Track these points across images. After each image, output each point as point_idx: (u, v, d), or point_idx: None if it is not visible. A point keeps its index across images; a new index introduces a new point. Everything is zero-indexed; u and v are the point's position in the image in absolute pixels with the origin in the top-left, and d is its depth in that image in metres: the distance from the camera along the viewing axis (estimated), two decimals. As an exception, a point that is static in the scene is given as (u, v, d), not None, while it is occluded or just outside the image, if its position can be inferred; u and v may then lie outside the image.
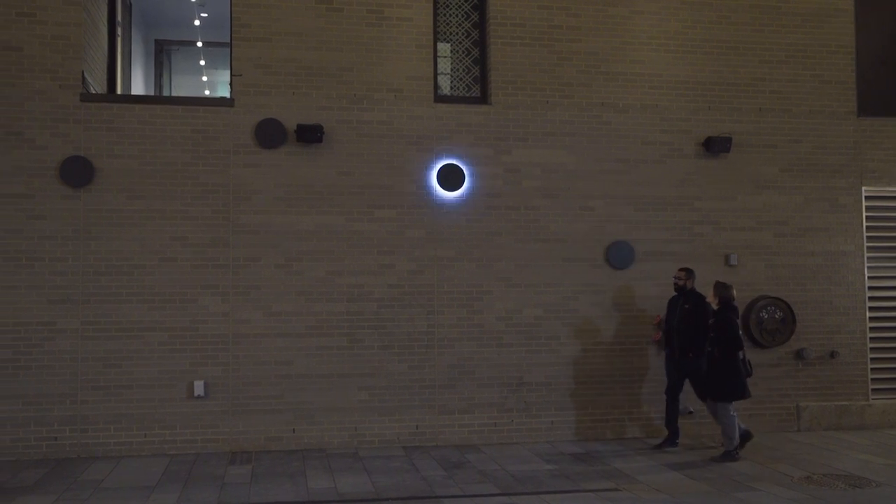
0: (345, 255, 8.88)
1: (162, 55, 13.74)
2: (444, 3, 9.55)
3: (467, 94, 9.51)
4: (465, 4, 9.59)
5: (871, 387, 9.97)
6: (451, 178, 9.10)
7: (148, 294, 8.52)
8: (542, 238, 9.28)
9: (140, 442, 8.44)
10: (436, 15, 9.40)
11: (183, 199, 8.64)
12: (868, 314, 9.99)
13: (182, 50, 14.15)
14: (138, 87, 12.05)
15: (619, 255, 9.39)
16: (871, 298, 10.03)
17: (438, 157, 9.13)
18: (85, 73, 8.67)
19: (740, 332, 8.29)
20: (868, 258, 10.03)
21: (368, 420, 8.84)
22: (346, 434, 8.79)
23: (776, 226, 9.82)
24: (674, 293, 8.92)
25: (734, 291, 8.39)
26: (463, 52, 9.58)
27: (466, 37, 9.58)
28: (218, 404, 8.60)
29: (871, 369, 9.98)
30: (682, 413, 9.01)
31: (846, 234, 9.96)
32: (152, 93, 13.02)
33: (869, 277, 10.02)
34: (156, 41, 13.41)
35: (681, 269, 8.87)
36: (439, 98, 9.29)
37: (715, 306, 8.37)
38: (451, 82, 9.58)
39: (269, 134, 8.78)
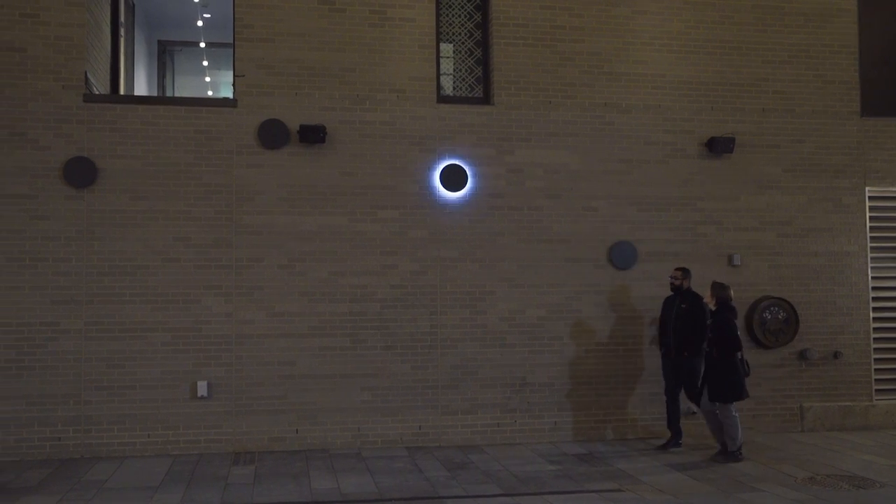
0: (348, 255, 8.88)
1: (165, 56, 13.76)
2: (447, 3, 9.55)
3: (470, 95, 9.51)
4: (468, 5, 9.59)
5: (875, 387, 9.96)
6: (453, 178, 9.10)
7: (151, 294, 8.53)
8: (545, 238, 9.27)
9: (143, 442, 8.45)
10: (438, 15, 9.40)
11: (186, 199, 8.65)
12: (871, 315, 9.98)
13: (185, 50, 14.17)
14: (141, 88, 12.06)
15: (622, 256, 9.38)
16: (874, 299, 10.02)
17: (441, 157, 9.13)
18: (88, 74, 8.68)
19: (738, 333, 8.26)
20: (871, 258, 10.02)
21: (371, 420, 8.84)
22: (349, 434, 8.79)
23: (779, 226, 9.81)
24: (670, 293, 8.90)
25: (731, 292, 8.37)
26: (466, 53, 9.58)
27: (469, 37, 9.58)
28: (221, 405, 8.60)
29: (875, 370, 9.97)
30: (685, 414, 9.00)
31: (850, 235, 9.95)
32: (155, 93, 13.04)
33: (872, 278, 10.01)
34: (159, 42, 13.43)
35: (677, 269, 8.86)
36: (442, 98, 9.30)
37: (712, 307, 8.34)
38: (454, 83, 9.57)
39: (271, 134, 8.79)
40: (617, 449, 8.78)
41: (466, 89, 9.55)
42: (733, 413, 8.17)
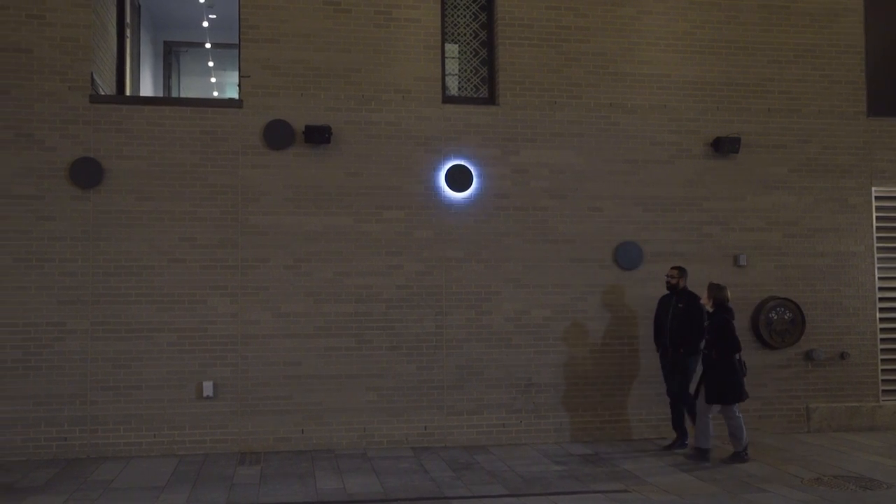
0: (353, 255, 8.89)
1: (170, 56, 13.78)
2: (452, 4, 9.55)
3: (475, 95, 9.51)
4: (473, 5, 9.59)
5: (882, 388, 9.93)
6: (459, 178, 9.10)
7: (157, 295, 8.55)
8: (550, 239, 9.27)
9: (149, 442, 8.46)
10: (443, 16, 9.40)
11: (192, 200, 8.67)
12: (878, 315, 9.95)
13: (190, 51, 14.19)
14: (147, 89, 12.09)
15: (627, 256, 9.37)
16: (881, 299, 9.99)
17: (446, 157, 9.13)
18: (94, 75, 8.70)
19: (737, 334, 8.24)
20: (878, 259, 9.98)
21: (377, 421, 8.85)
22: (354, 435, 8.80)
23: (785, 226, 9.78)
24: (659, 291, 8.87)
25: (728, 293, 8.32)
26: (471, 53, 9.58)
27: (474, 38, 9.58)
28: (227, 405, 8.61)
29: (882, 370, 9.94)
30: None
31: (856, 235, 9.92)
32: (161, 94, 13.06)
33: (879, 278, 9.98)
34: (164, 43, 13.45)
35: (673, 268, 8.84)
36: (447, 99, 9.30)
37: (709, 308, 8.29)
38: (459, 83, 9.57)
39: (277, 135, 8.80)
40: (622, 449, 8.77)
41: (471, 90, 9.55)
42: (737, 414, 8.15)
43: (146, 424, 8.47)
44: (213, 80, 15.19)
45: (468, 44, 9.59)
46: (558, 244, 9.28)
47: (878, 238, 9.99)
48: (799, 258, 9.79)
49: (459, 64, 9.60)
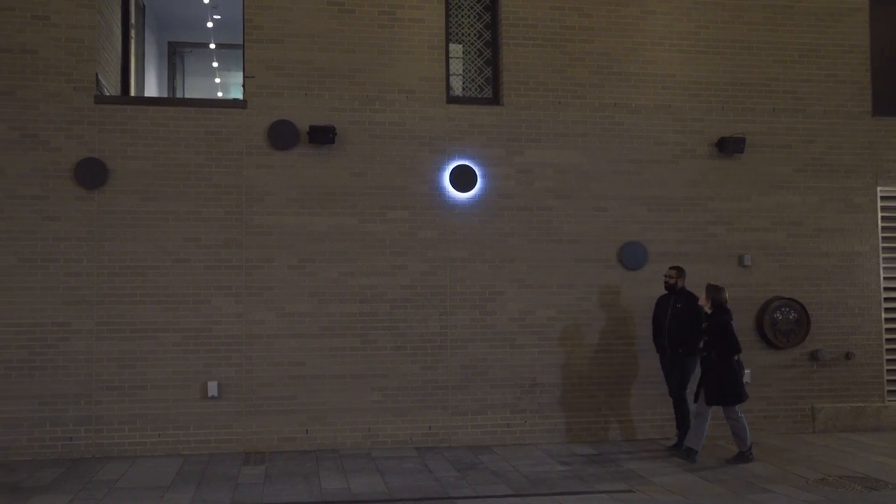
0: (357, 256, 8.90)
1: (175, 57, 13.81)
2: (457, 4, 9.55)
3: (479, 95, 9.51)
4: (477, 5, 9.59)
5: (887, 388, 9.90)
6: (463, 178, 9.10)
7: (162, 295, 8.56)
8: (554, 239, 9.26)
9: (154, 442, 8.48)
10: (448, 16, 9.41)
11: (196, 200, 8.68)
12: (883, 315, 9.92)
13: (195, 52, 14.21)
14: (152, 89, 12.11)
15: (632, 256, 9.37)
16: (886, 299, 9.97)
17: (451, 157, 9.13)
18: (99, 76, 8.72)
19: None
20: (883, 259, 9.96)
21: (381, 421, 8.85)
22: (359, 435, 8.80)
23: (790, 226, 9.77)
24: (664, 292, 8.86)
25: (726, 294, 8.28)
26: (475, 53, 9.58)
27: (478, 38, 9.58)
28: (231, 405, 8.62)
29: (887, 370, 9.92)
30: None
31: (861, 235, 9.90)
32: (166, 95, 13.08)
33: (884, 278, 9.96)
34: (169, 43, 13.47)
35: (671, 268, 8.82)
36: (451, 99, 9.30)
37: (708, 310, 8.26)
38: (464, 83, 9.58)
39: (281, 135, 8.81)
40: (627, 449, 8.76)
41: (476, 90, 9.55)
42: (739, 414, 8.14)
43: (151, 424, 8.48)
44: (217, 80, 15.23)
45: (472, 44, 9.59)
46: (563, 244, 9.28)
47: (883, 238, 9.97)
48: (804, 258, 9.77)
49: (463, 64, 9.60)
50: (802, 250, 9.78)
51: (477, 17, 9.60)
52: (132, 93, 10.02)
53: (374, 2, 9.05)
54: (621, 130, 9.46)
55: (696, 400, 8.32)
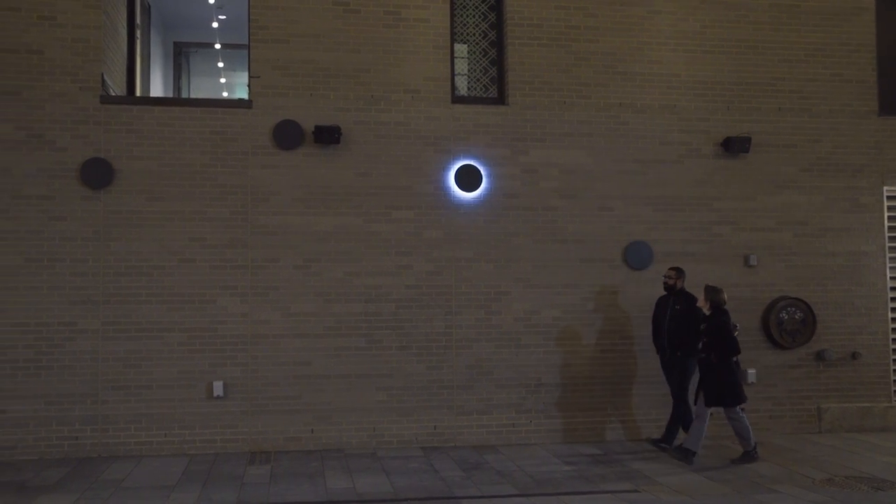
0: (362, 255, 8.90)
1: (180, 57, 13.83)
2: (461, 4, 9.55)
3: (484, 95, 9.50)
4: (482, 5, 9.59)
5: (894, 388, 9.87)
6: (468, 178, 9.10)
7: (167, 295, 8.58)
8: (559, 239, 9.26)
9: (160, 441, 8.49)
10: (453, 16, 9.40)
11: (201, 200, 8.69)
12: (890, 315, 9.89)
13: (200, 52, 14.23)
14: (157, 89, 12.13)
15: (637, 256, 9.35)
16: (893, 299, 9.93)
17: (456, 157, 9.13)
18: (105, 76, 8.74)
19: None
20: (890, 258, 9.93)
21: (387, 420, 8.85)
22: (364, 434, 8.80)
23: (796, 226, 9.74)
24: (663, 293, 8.84)
25: (725, 295, 8.23)
26: (480, 53, 9.58)
27: (483, 37, 9.58)
28: (237, 404, 8.64)
29: (894, 371, 9.88)
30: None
31: (867, 235, 9.87)
32: (171, 95, 13.11)
33: (891, 278, 9.92)
34: (174, 43, 13.49)
35: (671, 269, 8.80)
36: (456, 99, 9.29)
37: (706, 311, 8.22)
38: (469, 83, 9.57)
39: (286, 135, 8.81)
40: (632, 449, 8.75)
41: (481, 90, 9.54)
42: (740, 415, 8.11)
43: (157, 424, 8.50)
44: (222, 80, 15.25)
45: (477, 44, 9.58)
46: (568, 244, 9.27)
47: (889, 237, 9.94)
48: (810, 258, 9.75)
49: (469, 64, 9.60)
50: (808, 250, 9.75)
51: (482, 16, 9.60)
52: (138, 93, 10.05)
53: (379, 2, 9.06)
54: (627, 130, 9.45)
55: (695, 402, 8.30)
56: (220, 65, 14.52)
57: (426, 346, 8.94)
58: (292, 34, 8.92)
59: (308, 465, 8.06)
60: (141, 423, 8.47)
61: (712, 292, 8.17)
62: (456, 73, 9.46)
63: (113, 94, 8.97)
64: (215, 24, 12.63)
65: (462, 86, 9.55)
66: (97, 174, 8.49)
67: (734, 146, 9.49)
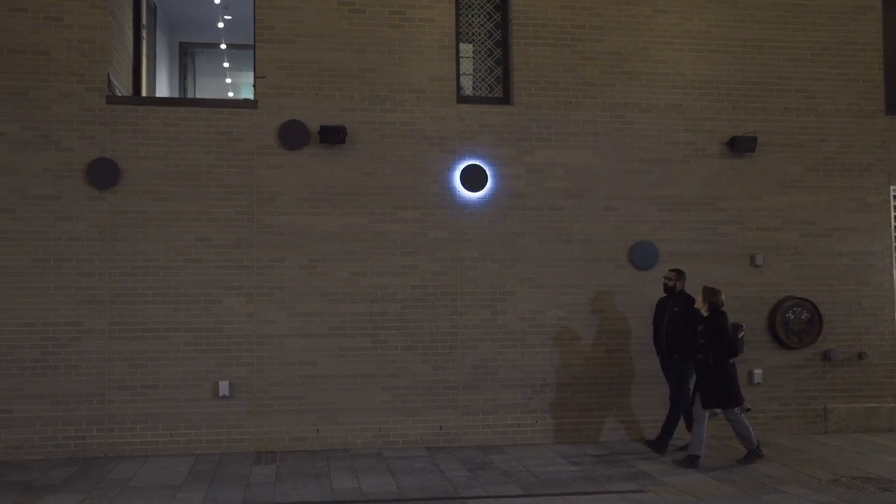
0: (368, 255, 8.90)
1: (186, 57, 13.85)
2: (467, 3, 9.54)
3: (490, 95, 9.50)
4: (488, 5, 9.58)
5: (900, 388, 9.85)
6: (473, 178, 9.09)
7: (173, 295, 8.59)
8: (565, 239, 9.25)
9: (166, 441, 8.51)
10: (458, 16, 9.40)
11: (207, 200, 8.71)
12: (896, 315, 9.88)
13: (206, 52, 14.25)
14: (163, 90, 12.15)
15: (642, 256, 9.34)
16: (899, 299, 9.92)
17: (461, 157, 9.13)
18: (111, 76, 8.76)
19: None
20: (896, 258, 9.91)
21: (392, 420, 8.86)
22: (369, 434, 8.81)
23: (802, 226, 9.72)
24: (663, 294, 8.80)
25: (723, 297, 8.20)
26: (485, 53, 9.58)
27: (489, 37, 9.57)
28: (242, 404, 8.65)
29: (900, 371, 9.87)
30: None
31: (874, 234, 9.84)
32: (177, 95, 13.12)
33: (897, 278, 9.91)
34: (180, 44, 13.51)
35: (671, 270, 8.76)
36: (462, 99, 9.29)
37: (704, 312, 8.18)
38: (474, 83, 9.57)
39: (292, 135, 8.82)
40: (638, 449, 8.74)
41: (486, 89, 9.54)
42: (739, 415, 8.09)
43: (163, 424, 8.52)
44: (228, 80, 15.26)
45: (483, 43, 9.58)
46: (573, 244, 9.26)
47: (896, 237, 9.93)
48: (816, 258, 9.72)
49: (474, 63, 9.59)
50: (814, 250, 9.73)
51: (487, 16, 9.59)
52: (143, 93, 10.06)
53: (384, 2, 9.06)
54: (632, 130, 9.44)
55: (692, 403, 8.28)
56: (226, 65, 14.54)
57: (431, 346, 8.95)
58: (298, 34, 8.93)
59: (313, 464, 8.07)
60: (147, 422, 8.49)
61: (710, 294, 8.14)
62: (461, 72, 9.46)
63: (119, 94, 8.99)
64: (221, 25, 12.65)
65: (467, 85, 9.55)
66: (103, 174, 8.51)
67: (740, 146, 9.47)
